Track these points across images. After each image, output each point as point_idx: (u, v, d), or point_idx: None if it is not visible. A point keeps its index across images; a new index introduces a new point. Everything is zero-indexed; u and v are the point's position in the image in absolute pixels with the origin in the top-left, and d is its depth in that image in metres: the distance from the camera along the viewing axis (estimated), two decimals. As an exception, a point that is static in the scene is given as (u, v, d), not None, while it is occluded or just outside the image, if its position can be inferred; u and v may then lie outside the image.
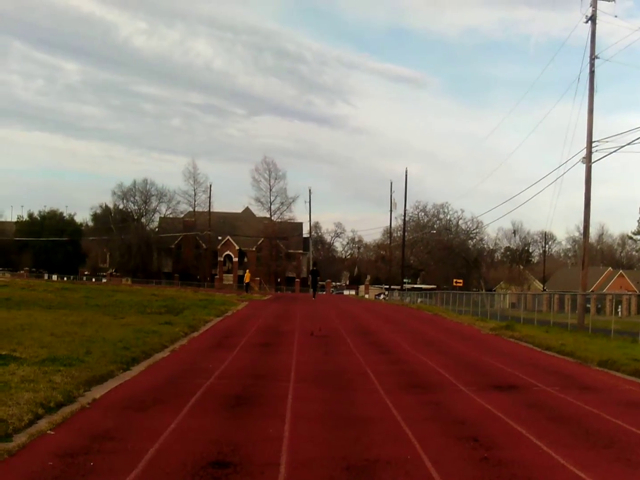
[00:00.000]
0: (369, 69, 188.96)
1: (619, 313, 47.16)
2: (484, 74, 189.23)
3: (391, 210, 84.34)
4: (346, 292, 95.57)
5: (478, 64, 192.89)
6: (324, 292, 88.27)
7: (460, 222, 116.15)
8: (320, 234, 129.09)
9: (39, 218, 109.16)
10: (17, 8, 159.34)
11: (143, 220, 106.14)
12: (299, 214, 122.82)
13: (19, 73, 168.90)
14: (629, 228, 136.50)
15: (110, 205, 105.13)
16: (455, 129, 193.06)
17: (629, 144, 28.51)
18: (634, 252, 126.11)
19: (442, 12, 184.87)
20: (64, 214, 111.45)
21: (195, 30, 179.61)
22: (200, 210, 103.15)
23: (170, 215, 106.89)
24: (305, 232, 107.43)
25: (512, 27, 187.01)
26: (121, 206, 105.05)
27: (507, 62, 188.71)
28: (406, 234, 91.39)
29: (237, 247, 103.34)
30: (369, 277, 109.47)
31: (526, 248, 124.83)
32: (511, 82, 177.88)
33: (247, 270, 68.79)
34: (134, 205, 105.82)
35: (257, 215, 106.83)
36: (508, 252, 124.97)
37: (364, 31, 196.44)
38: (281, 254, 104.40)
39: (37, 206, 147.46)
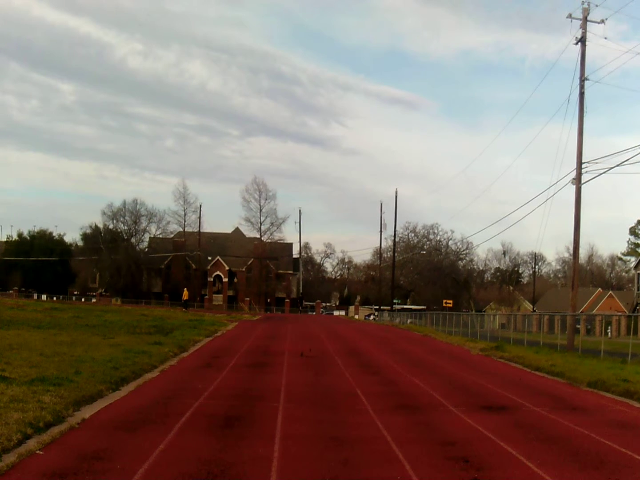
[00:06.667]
0: (363, 91, 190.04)
1: (609, 334, 47.28)
2: (478, 96, 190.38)
3: (381, 231, 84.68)
4: (336, 313, 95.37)
5: (473, 86, 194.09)
6: (314, 313, 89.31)
7: (450, 242, 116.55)
8: (310, 254, 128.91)
9: (28, 238, 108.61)
10: (14, 29, 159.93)
11: (133, 240, 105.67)
12: (289, 234, 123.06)
13: (14, 93, 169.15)
14: (619, 249, 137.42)
15: (100, 225, 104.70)
16: (448, 150, 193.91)
17: (618, 165, 28.73)
18: (623, 273, 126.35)
19: (438, 35, 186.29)
20: (54, 234, 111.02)
21: (190, 51, 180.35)
22: (190, 230, 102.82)
23: (160, 236, 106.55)
24: (295, 252, 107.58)
25: (507, 50, 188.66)
26: (111, 226, 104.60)
27: (501, 84, 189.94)
28: (396, 254, 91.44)
29: (227, 268, 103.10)
30: (358, 298, 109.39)
31: (516, 269, 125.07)
32: (506, 104, 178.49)
33: (185, 289, 69.78)
34: (123, 225, 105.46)
35: (247, 236, 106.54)
36: (498, 273, 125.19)
37: (359, 53, 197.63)
38: (271, 275, 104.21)
39: (27, 226, 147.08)
